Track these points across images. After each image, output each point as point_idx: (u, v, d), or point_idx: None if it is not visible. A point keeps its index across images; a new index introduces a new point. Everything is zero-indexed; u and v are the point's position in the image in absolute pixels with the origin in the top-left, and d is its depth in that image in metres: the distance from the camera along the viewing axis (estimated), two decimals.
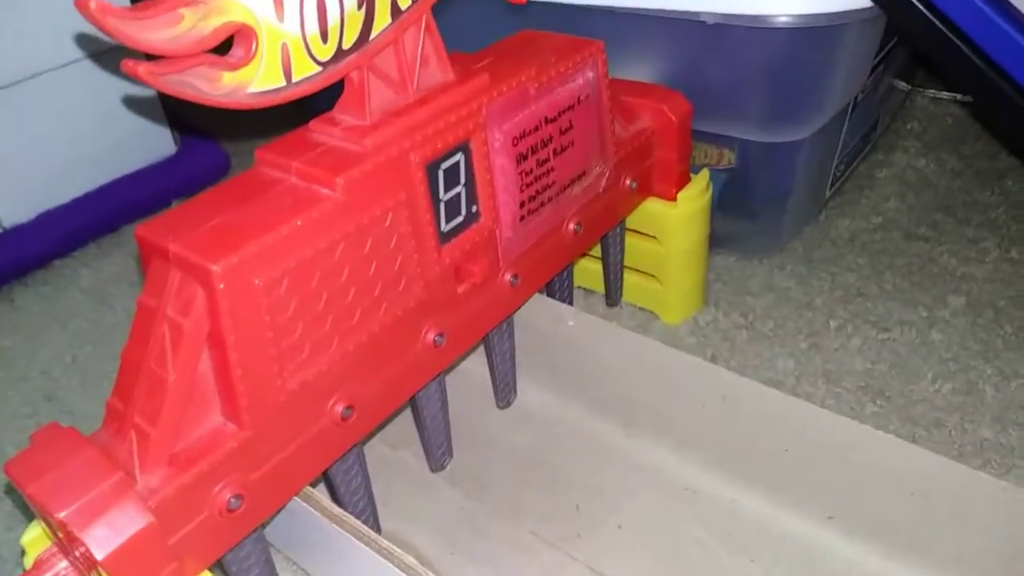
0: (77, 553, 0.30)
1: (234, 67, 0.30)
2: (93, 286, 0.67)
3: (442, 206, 0.38)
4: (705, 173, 0.54)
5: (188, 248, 0.30)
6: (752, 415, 0.43)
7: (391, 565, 0.33)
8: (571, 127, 0.43)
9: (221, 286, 0.30)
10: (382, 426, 0.50)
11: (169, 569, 0.30)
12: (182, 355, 0.31)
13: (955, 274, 0.61)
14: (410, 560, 0.33)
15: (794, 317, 0.58)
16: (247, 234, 0.31)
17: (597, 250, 0.56)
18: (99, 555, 0.28)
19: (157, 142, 0.77)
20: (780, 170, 0.57)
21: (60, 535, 0.31)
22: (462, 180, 0.38)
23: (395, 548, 0.34)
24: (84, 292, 0.67)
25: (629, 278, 0.58)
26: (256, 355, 0.32)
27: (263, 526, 0.36)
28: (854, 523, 0.41)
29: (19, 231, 0.68)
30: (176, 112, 0.77)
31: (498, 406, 0.51)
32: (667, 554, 0.42)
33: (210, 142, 0.79)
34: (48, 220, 0.70)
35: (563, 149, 0.43)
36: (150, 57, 0.28)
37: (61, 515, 0.29)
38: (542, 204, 0.43)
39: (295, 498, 0.37)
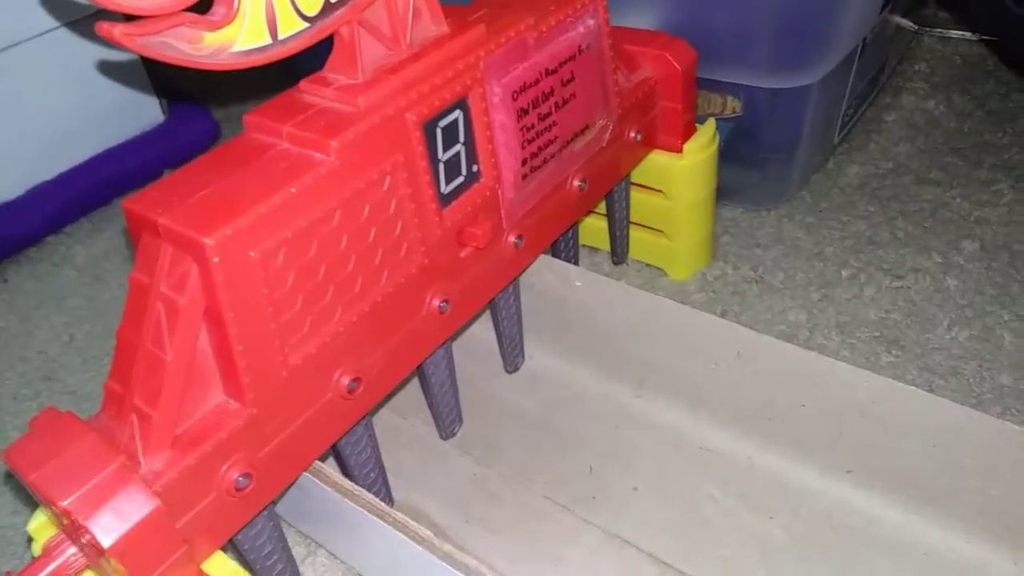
0: (84, 540, 0.29)
1: (216, 26, 0.28)
2: (87, 262, 0.66)
3: (441, 166, 0.36)
4: (711, 123, 0.53)
5: (179, 221, 0.29)
6: (768, 371, 0.42)
7: (407, 538, 0.33)
8: (572, 79, 0.42)
9: (215, 260, 0.28)
10: (390, 396, 0.50)
11: (179, 552, 0.30)
12: (179, 334, 0.30)
13: (968, 218, 0.59)
14: (426, 533, 0.33)
15: (805, 268, 0.57)
16: (240, 204, 0.29)
17: (602, 207, 0.55)
18: (106, 542, 0.27)
19: (144, 112, 0.74)
20: (788, 117, 0.56)
21: (65, 522, 0.30)
22: (461, 138, 0.37)
23: (409, 521, 0.33)
24: (78, 269, 0.65)
25: (635, 234, 0.56)
26: (256, 330, 0.31)
27: (274, 503, 0.35)
28: (874, 477, 0.41)
29: (8, 207, 0.66)
30: (163, 80, 0.75)
31: (506, 371, 0.50)
32: (684, 514, 0.42)
33: (199, 109, 0.77)
34: (37, 196, 0.68)
35: (565, 102, 0.42)
36: (128, 18, 0.26)
37: (64, 503, 0.28)
38: (545, 161, 0.42)
39: (305, 474, 0.36)
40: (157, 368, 0.30)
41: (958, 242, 0.57)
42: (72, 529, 0.29)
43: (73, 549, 0.31)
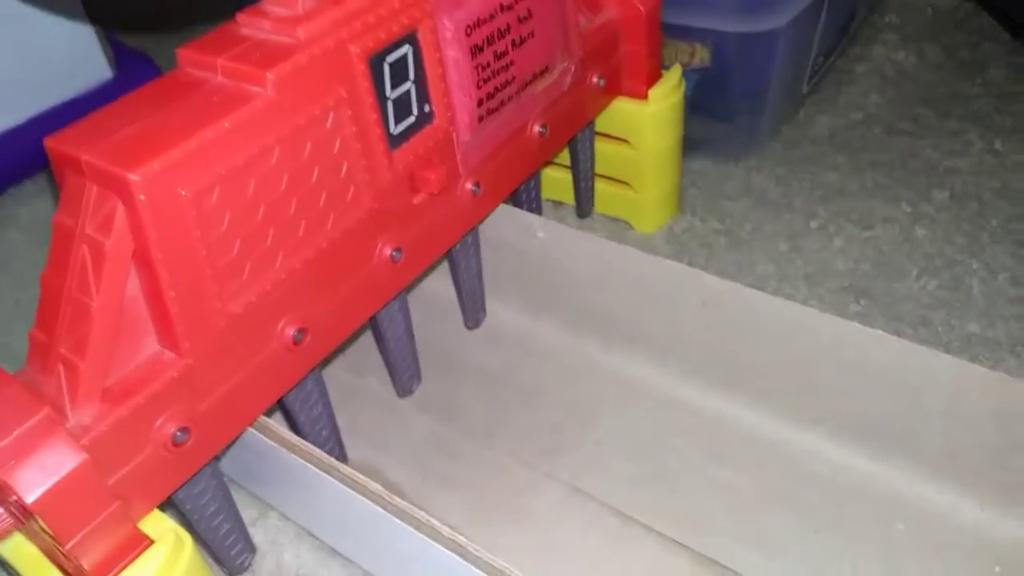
0: (11, 500, 0.27)
1: None
2: (31, 225, 0.63)
3: (390, 105, 0.34)
4: (677, 68, 0.51)
5: (103, 157, 0.27)
6: (734, 320, 0.40)
7: (355, 493, 0.31)
8: (530, 16, 0.40)
9: (142, 197, 0.27)
10: (343, 350, 0.48)
11: (111, 509, 0.28)
12: (106, 279, 0.28)
13: (938, 168, 0.58)
14: (375, 487, 0.31)
15: (773, 220, 0.56)
16: (169, 139, 0.27)
17: (565, 159, 0.53)
18: (28, 498, 0.25)
19: (91, 67, 0.71)
20: (757, 63, 0.54)
21: None
22: (411, 75, 0.35)
23: (358, 475, 0.31)
24: (23, 231, 0.63)
25: (600, 187, 0.55)
26: (190, 275, 0.29)
27: (218, 459, 0.34)
28: (843, 425, 0.40)
29: None
30: (109, 34, 0.72)
31: (467, 327, 0.49)
32: (649, 468, 0.41)
33: (148, 63, 0.74)
34: None
35: (522, 41, 0.40)
36: None
37: None
38: (502, 103, 0.40)
39: (250, 429, 0.34)
40: (83, 315, 0.28)
41: (928, 192, 0.56)
42: None
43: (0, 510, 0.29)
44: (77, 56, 0.70)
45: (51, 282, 0.29)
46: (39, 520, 0.27)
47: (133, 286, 0.29)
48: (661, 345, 0.44)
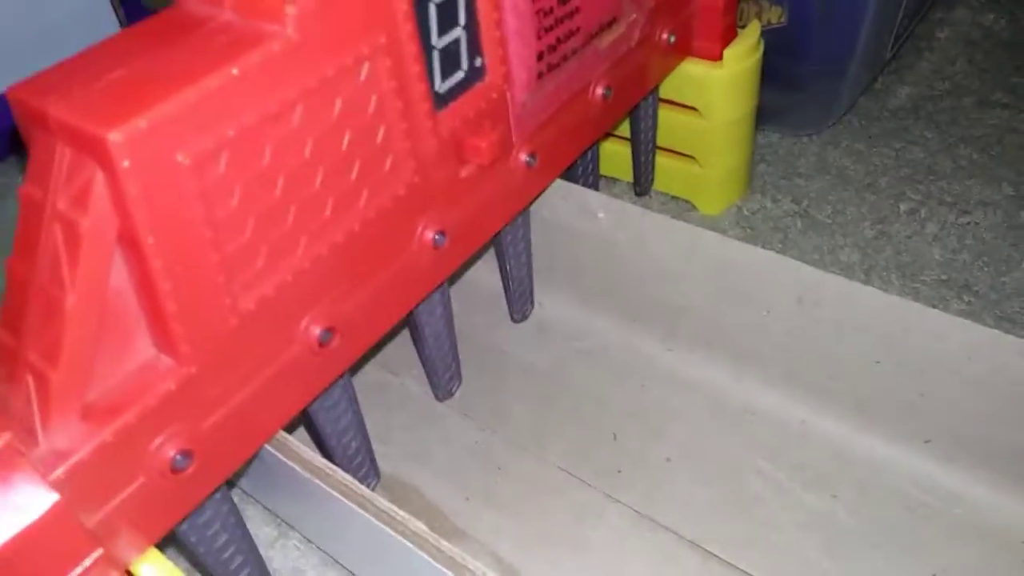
0: None
1: None
2: None
3: (436, 55, 0.28)
4: (756, 26, 0.44)
5: (76, 111, 0.21)
6: (834, 319, 0.34)
7: (393, 533, 0.25)
8: None
9: (125, 164, 0.21)
10: (376, 350, 0.42)
11: (92, 559, 0.22)
12: (83, 266, 0.22)
13: None
14: (417, 525, 0.25)
15: (856, 201, 0.49)
16: (161, 89, 0.21)
17: (622, 128, 0.47)
18: None
19: (101, 26, 0.66)
20: (843, 22, 0.47)
21: None
22: (461, 20, 0.28)
23: (397, 511, 0.26)
24: None
25: (661, 161, 0.48)
26: (191, 263, 0.23)
27: (229, 484, 0.28)
28: (956, 448, 0.34)
29: None
30: None
31: (513, 319, 0.43)
32: (729, 492, 0.35)
33: None
34: None
35: None
36: None
37: None
38: (564, 58, 0.33)
39: (266, 447, 0.28)
40: (55, 313, 0.22)
41: None
42: None
43: None
44: (87, 14, 0.64)
45: (18, 271, 0.23)
46: None
47: (120, 276, 0.23)
48: (740, 347, 0.38)
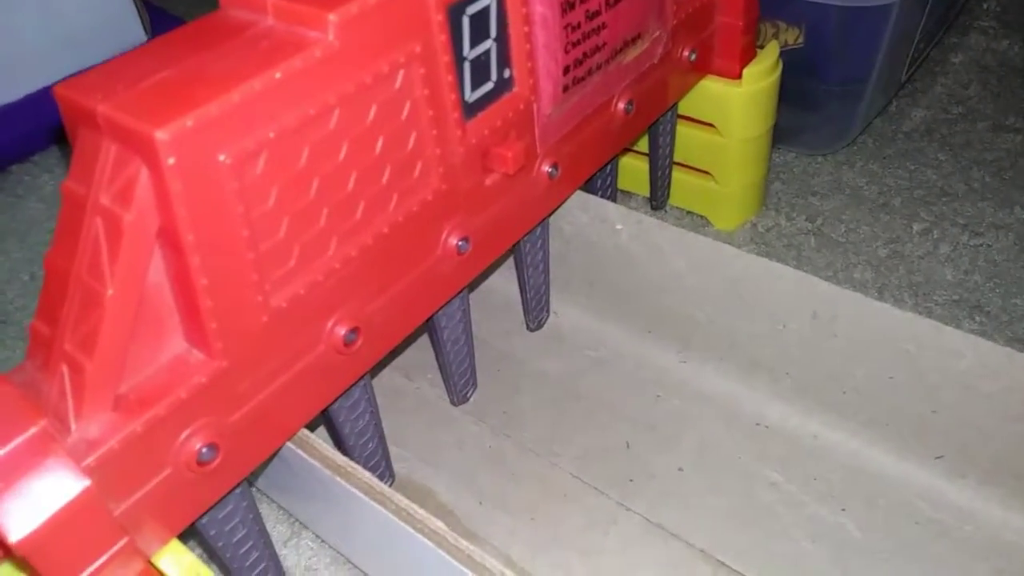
0: None
1: None
2: (55, 194, 0.58)
3: (467, 66, 0.29)
4: (774, 46, 0.45)
5: (124, 109, 0.22)
6: (849, 334, 0.35)
7: (412, 531, 0.26)
8: None
9: (171, 161, 0.21)
10: (393, 355, 0.43)
11: (117, 547, 0.23)
12: (123, 260, 0.22)
13: None
14: (436, 524, 0.26)
15: (869, 220, 0.50)
16: (206, 90, 0.22)
17: (640, 143, 0.47)
18: (12, 538, 0.20)
19: (124, 29, 0.66)
20: (862, 44, 0.48)
21: None
22: (492, 32, 0.29)
23: (417, 509, 0.26)
24: (45, 201, 0.58)
25: (677, 176, 0.49)
26: (227, 260, 0.23)
27: (250, 480, 0.29)
28: (967, 465, 0.34)
29: None
30: None
31: (528, 327, 0.43)
32: (739, 502, 0.35)
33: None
34: (1, 120, 0.60)
35: (616, 0, 0.34)
36: None
37: None
38: (590, 72, 0.34)
39: (288, 444, 0.29)
40: (94, 305, 0.23)
41: None
42: None
43: None
44: (110, 17, 0.65)
45: (57, 264, 0.24)
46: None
47: (157, 271, 0.23)
48: (754, 359, 0.38)
